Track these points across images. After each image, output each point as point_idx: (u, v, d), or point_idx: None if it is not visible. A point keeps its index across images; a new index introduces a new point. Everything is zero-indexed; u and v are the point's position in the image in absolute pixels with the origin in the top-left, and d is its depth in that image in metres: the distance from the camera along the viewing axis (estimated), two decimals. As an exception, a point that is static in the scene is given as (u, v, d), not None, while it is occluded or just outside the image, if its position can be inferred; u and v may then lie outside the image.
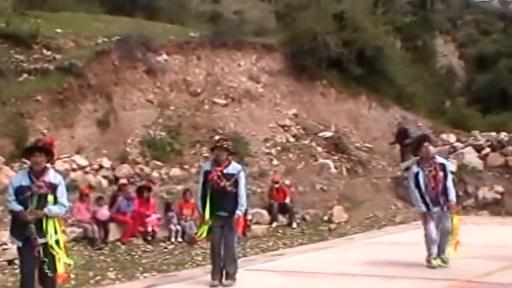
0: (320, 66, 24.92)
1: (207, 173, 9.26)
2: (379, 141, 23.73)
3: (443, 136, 22.96)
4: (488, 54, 46.99)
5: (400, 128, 21.43)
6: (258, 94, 23.45)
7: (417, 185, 9.90)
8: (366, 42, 25.64)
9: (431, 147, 10.01)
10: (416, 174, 9.95)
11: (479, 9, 62.62)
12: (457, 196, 19.02)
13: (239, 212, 9.21)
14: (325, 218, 17.23)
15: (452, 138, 22.73)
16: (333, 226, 16.63)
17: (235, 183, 9.13)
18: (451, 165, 20.18)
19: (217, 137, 11.44)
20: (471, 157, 20.57)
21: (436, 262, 9.87)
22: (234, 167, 9.25)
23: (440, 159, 10.09)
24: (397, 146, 21.18)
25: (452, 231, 9.86)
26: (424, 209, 9.89)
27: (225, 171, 9.14)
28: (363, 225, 16.79)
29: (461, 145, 21.63)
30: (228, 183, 9.07)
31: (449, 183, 9.86)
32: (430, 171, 9.79)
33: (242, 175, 9.26)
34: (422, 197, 9.86)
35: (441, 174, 9.79)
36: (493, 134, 21.56)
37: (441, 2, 54.41)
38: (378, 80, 26.26)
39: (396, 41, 32.19)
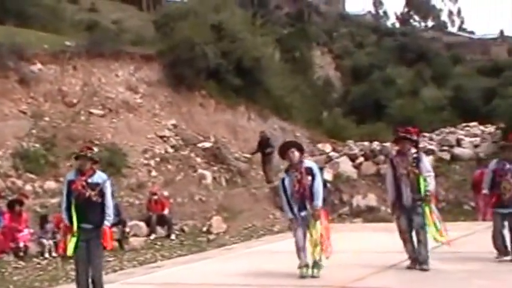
0: (199, 76, 24.93)
1: (70, 183, 8.80)
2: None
3: (320, 146, 23.55)
4: (362, 66, 48.90)
5: (262, 137, 21.77)
6: (136, 105, 23.14)
7: (285, 191, 9.98)
8: (244, 53, 25.89)
9: (296, 153, 9.95)
10: (283, 180, 10.06)
11: (353, 22, 65.01)
12: (333, 204, 19.86)
13: (107, 223, 8.77)
14: (204, 228, 17.20)
15: (328, 147, 23.37)
16: (211, 237, 16.61)
17: (101, 193, 8.74)
18: (326, 173, 20.78)
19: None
20: (346, 166, 21.22)
21: (303, 271, 9.91)
22: (99, 176, 8.85)
23: (308, 163, 10.07)
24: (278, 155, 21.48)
25: (316, 239, 9.82)
26: (290, 214, 9.98)
27: (89, 180, 8.71)
28: (242, 235, 16.87)
29: (336, 154, 22.25)
30: (93, 193, 8.67)
31: (316, 187, 9.78)
32: (296, 176, 9.84)
33: (108, 184, 8.87)
34: (288, 202, 9.96)
35: (308, 178, 9.76)
36: (366, 143, 22.35)
37: (318, 14, 56.00)
38: (257, 91, 26.59)
39: (275, 52, 32.70)
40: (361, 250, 12.46)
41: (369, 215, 18.76)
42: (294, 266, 10.11)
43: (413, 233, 10.16)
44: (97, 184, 8.76)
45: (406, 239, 10.21)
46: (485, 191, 10.87)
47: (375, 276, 10.04)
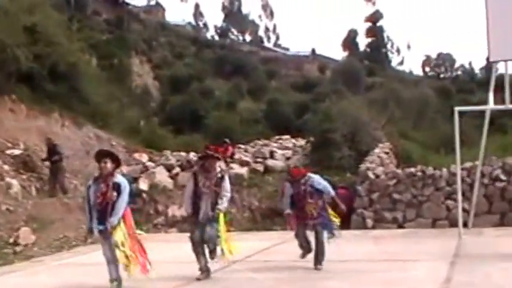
0: (9, 80, 23.60)
1: None
2: (71, 159, 23.18)
3: (136, 155, 23.30)
4: (181, 77, 49.04)
5: (49, 144, 21.15)
6: None
7: (89, 200, 9.73)
8: (59, 57, 24.95)
9: (109, 164, 9.67)
10: (88, 188, 9.83)
11: (173, 32, 65.16)
12: (148, 214, 19.73)
13: None
14: (11, 240, 16.29)
15: (145, 157, 23.17)
16: (18, 249, 15.75)
17: None
18: (142, 183, 20.64)
19: None
20: (162, 176, 21.19)
21: (112, 285, 9.70)
22: None
23: (117, 179, 9.78)
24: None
25: (120, 255, 9.61)
26: (89, 224, 9.78)
27: None
28: (53, 247, 16.19)
29: (153, 164, 22.16)
30: None
31: (119, 205, 9.57)
32: (102, 188, 9.59)
33: None
34: (90, 212, 9.71)
35: (114, 193, 9.53)
36: (183, 153, 22.47)
37: (137, 22, 55.47)
38: (72, 97, 25.75)
39: (92, 58, 31.96)
40: (175, 261, 12.46)
41: (183, 225, 18.76)
42: (105, 278, 9.87)
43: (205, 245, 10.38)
44: None
45: (199, 252, 10.38)
46: (288, 211, 11.32)
47: (185, 286, 10.10)
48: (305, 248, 11.35)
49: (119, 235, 9.55)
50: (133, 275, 9.74)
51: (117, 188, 9.60)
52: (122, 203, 9.60)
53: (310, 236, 11.28)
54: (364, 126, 22.64)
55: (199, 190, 10.25)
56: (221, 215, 10.42)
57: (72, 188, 21.30)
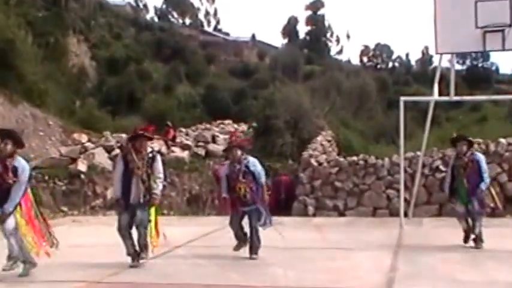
0: None
1: None
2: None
3: (76, 136, 22.79)
4: (119, 58, 48.20)
5: None
6: None
7: None
8: (-4, 33, 24.20)
9: (9, 146, 9.08)
10: None
11: (112, 13, 63.91)
12: (86, 196, 19.33)
13: None
14: None
15: (84, 138, 22.69)
16: None
17: None
18: (81, 164, 20.18)
19: None
20: (101, 157, 20.80)
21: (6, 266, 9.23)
22: None
23: (16, 162, 9.19)
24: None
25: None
26: None
27: None
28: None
29: (92, 145, 21.72)
30: None
31: (16, 191, 9.00)
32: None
33: None
34: None
35: (10, 175, 8.95)
36: (123, 135, 22.08)
37: (75, 0, 54.10)
38: (7, 75, 24.93)
39: (28, 35, 30.93)
40: (113, 244, 12.14)
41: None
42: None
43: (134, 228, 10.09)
44: None
45: (125, 236, 10.05)
46: (224, 195, 10.94)
47: (128, 271, 9.86)
48: (240, 238, 10.98)
49: (11, 222, 9.06)
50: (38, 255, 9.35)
51: (15, 171, 9.08)
52: (19, 191, 9.07)
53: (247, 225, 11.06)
54: (306, 113, 22.71)
55: (129, 172, 9.89)
56: (154, 205, 10.10)
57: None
